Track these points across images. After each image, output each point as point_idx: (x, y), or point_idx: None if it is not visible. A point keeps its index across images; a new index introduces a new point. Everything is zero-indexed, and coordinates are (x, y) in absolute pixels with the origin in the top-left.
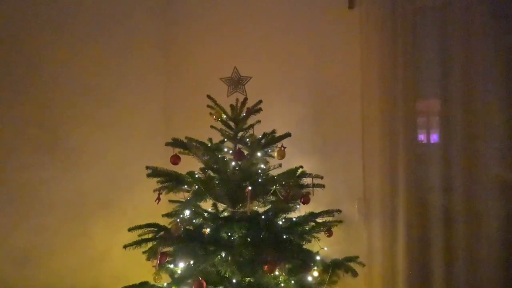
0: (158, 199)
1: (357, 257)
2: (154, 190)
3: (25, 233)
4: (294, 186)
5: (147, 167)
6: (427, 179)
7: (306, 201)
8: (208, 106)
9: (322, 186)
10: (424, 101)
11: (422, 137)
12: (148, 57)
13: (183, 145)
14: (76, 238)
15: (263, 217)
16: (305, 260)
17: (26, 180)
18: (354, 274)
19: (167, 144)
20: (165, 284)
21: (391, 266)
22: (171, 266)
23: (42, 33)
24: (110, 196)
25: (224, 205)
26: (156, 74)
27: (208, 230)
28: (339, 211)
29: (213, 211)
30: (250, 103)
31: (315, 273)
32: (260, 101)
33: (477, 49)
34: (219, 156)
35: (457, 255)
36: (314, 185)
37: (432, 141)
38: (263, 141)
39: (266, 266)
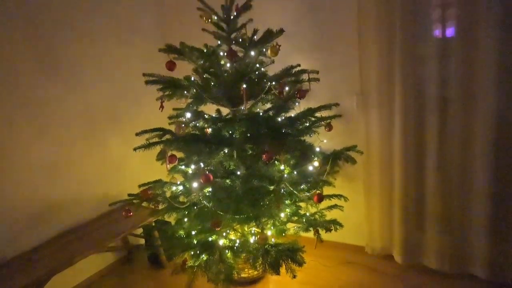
0: (162, 107)
1: (355, 146)
2: (157, 99)
3: (47, 146)
4: (288, 82)
5: (144, 74)
6: (424, 72)
7: (301, 95)
8: (198, 8)
9: (317, 79)
10: None
11: (419, 31)
12: None
13: (176, 50)
14: (93, 150)
15: (261, 114)
16: (304, 151)
17: (35, 98)
18: (353, 161)
19: (160, 50)
20: (178, 182)
21: (388, 152)
22: (183, 167)
23: None
24: (119, 111)
25: (227, 110)
26: None
27: (210, 130)
28: (336, 104)
29: (216, 116)
30: (241, 1)
31: (316, 163)
32: None
33: None
34: (215, 59)
35: (451, 136)
36: (309, 80)
37: (429, 35)
38: (255, 38)
39: (264, 156)
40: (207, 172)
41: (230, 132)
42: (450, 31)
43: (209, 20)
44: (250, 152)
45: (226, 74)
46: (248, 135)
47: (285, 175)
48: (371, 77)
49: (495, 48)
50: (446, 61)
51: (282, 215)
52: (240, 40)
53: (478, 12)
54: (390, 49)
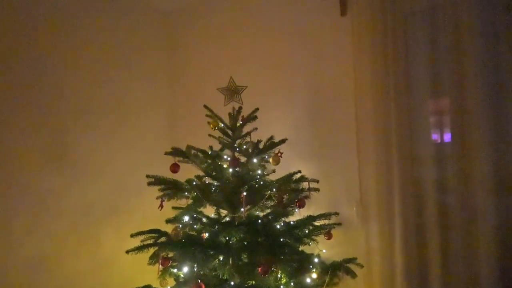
0: (161, 206)
1: (356, 258)
2: (157, 198)
3: (37, 240)
4: (287, 190)
5: (147, 176)
6: (422, 180)
7: (301, 205)
8: (206, 115)
9: (317, 189)
10: (416, 103)
11: (416, 137)
12: (152, 68)
13: (182, 153)
14: (85, 244)
15: (259, 221)
16: (302, 262)
17: (37, 190)
18: (353, 275)
19: (167, 153)
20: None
21: (389, 266)
22: (175, 270)
23: (46, 43)
24: (118, 203)
25: (225, 211)
26: (160, 85)
27: (206, 234)
28: (336, 213)
29: (215, 216)
30: (247, 111)
31: (314, 275)
32: (257, 109)
33: (467, 51)
34: (218, 163)
35: (454, 254)
36: (309, 189)
37: (426, 142)
38: (260, 146)
39: (259, 269)
40: (199, 281)
41: (227, 238)
42: (447, 136)
43: (216, 128)
44: (246, 259)
45: (227, 182)
46: (245, 243)
47: (282, 287)
48: (370, 186)
49: (490, 156)
50: (443, 168)
51: None
52: (244, 147)
53: (471, 119)
54: (387, 158)
